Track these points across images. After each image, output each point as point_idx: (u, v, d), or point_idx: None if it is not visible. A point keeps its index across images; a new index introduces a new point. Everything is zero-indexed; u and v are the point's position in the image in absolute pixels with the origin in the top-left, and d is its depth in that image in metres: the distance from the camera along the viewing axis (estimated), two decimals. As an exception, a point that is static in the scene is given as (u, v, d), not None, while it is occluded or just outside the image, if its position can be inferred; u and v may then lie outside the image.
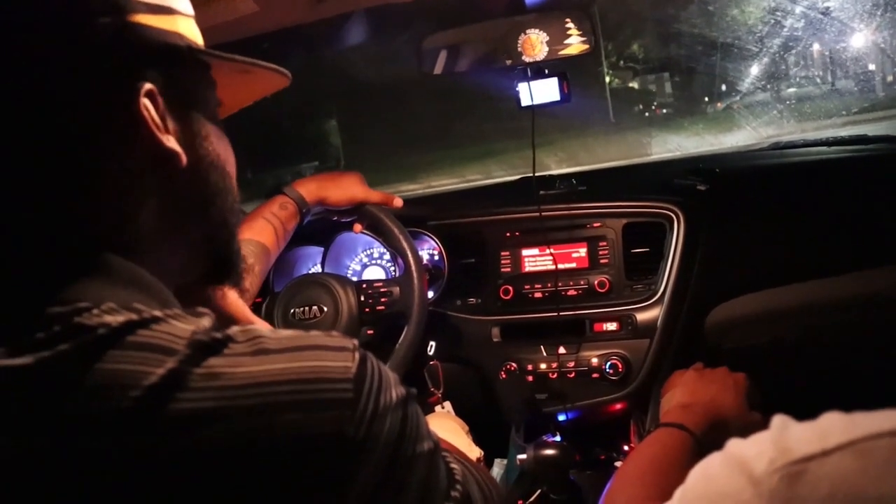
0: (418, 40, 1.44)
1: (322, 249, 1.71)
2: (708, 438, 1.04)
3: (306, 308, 1.42)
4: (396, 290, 1.43)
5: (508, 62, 1.41)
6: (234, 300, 1.00)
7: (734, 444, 0.55)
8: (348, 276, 1.71)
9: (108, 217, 0.58)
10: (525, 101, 1.43)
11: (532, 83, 1.40)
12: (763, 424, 1.14)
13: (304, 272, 1.72)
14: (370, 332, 1.47)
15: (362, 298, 1.44)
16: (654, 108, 8.66)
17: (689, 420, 1.05)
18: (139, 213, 0.60)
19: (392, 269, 1.71)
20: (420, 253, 1.52)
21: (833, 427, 0.48)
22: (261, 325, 1.03)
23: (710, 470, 0.56)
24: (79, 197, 0.57)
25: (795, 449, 0.48)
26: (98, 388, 0.48)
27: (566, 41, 1.38)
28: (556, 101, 1.41)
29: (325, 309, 1.42)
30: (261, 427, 0.50)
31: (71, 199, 0.56)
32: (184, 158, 0.61)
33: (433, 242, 1.69)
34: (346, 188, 1.44)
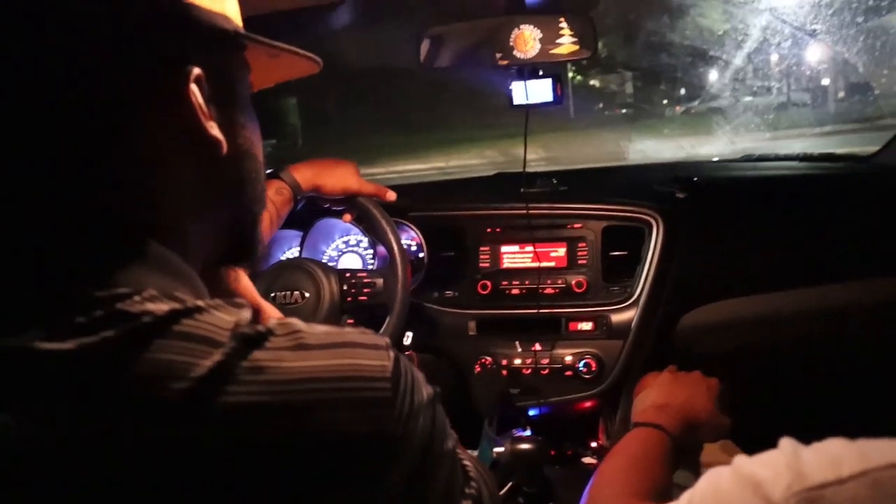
0: (418, 32, 1.44)
1: (300, 233, 1.70)
2: (682, 439, 1.08)
3: (288, 292, 1.42)
4: (380, 281, 1.44)
5: (499, 56, 1.41)
6: (246, 284, 1.00)
7: (745, 464, 0.57)
8: (324, 261, 1.71)
9: (146, 201, 0.58)
10: (518, 100, 1.44)
11: (527, 83, 1.41)
12: (731, 428, 1.18)
13: (281, 255, 1.72)
14: (350, 320, 1.48)
15: (345, 287, 1.44)
16: (616, 108, 8.78)
17: (665, 420, 1.09)
18: (176, 198, 0.60)
19: (370, 257, 1.71)
20: (401, 244, 1.53)
21: (845, 456, 0.50)
22: (269, 310, 1.04)
23: (721, 487, 0.58)
24: (119, 179, 0.56)
25: (811, 476, 0.50)
26: (146, 377, 0.48)
27: (558, 41, 1.39)
28: (549, 102, 1.42)
29: (307, 295, 1.42)
30: (304, 423, 0.50)
31: (111, 181, 0.56)
32: (225, 146, 0.61)
33: (413, 233, 1.70)
34: (342, 178, 1.44)
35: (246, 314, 0.55)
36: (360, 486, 0.53)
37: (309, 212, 1.63)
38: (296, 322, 0.57)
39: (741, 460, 0.58)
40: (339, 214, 1.55)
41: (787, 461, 0.53)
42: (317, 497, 0.52)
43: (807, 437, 0.57)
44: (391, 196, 1.52)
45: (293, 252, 1.72)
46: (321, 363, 0.53)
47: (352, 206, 1.49)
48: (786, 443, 0.56)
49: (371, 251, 1.71)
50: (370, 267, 1.68)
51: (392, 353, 0.57)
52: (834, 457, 0.50)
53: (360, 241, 1.74)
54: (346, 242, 1.77)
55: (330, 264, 1.60)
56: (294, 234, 1.71)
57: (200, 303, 0.53)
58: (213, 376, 0.49)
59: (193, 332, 0.51)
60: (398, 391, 0.55)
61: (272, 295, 1.43)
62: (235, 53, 0.64)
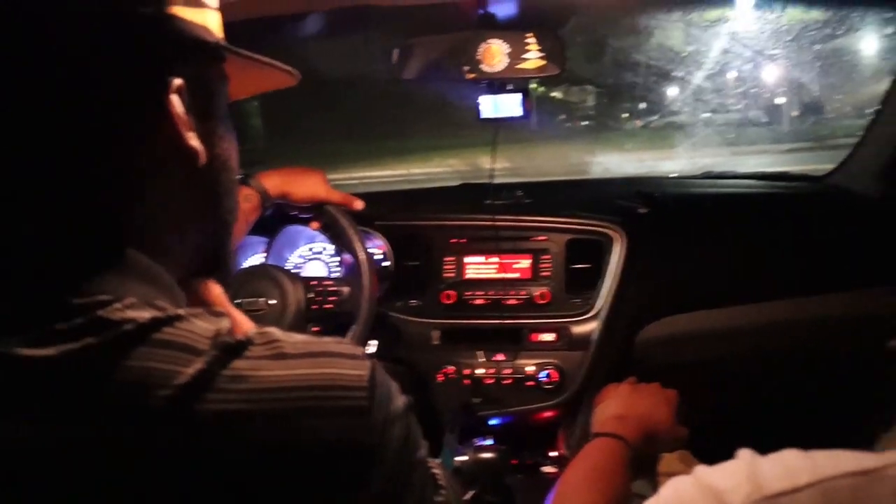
0: (395, 45, 1.45)
1: (265, 240, 1.70)
2: (641, 449, 1.10)
3: (253, 299, 1.42)
4: (346, 290, 1.44)
5: (466, 69, 1.42)
6: (217, 292, 0.99)
7: (706, 473, 0.59)
8: (289, 268, 1.71)
9: (126, 210, 0.58)
10: (486, 114, 1.45)
11: (496, 97, 1.43)
12: (688, 439, 1.21)
13: (245, 261, 1.71)
14: (315, 328, 1.48)
15: (310, 295, 1.44)
16: (577, 120, 8.87)
17: (624, 431, 1.11)
18: (155, 208, 0.60)
19: (335, 265, 1.71)
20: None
21: (799, 466, 0.53)
22: (240, 318, 1.03)
23: (683, 496, 0.60)
24: (100, 188, 0.56)
25: (767, 485, 0.53)
26: (128, 384, 0.49)
27: (525, 55, 1.41)
28: (518, 117, 1.44)
29: (272, 302, 1.42)
30: (284, 431, 0.51)
31: (92, 189, 0.56)
32: (203, 157, 0.61)
33: (379, 242, 1.70)
34: (310, 186, 1.45)
35: (226, 323, 0.56)
36: (339, 494, 0.54)
37: (274, 218, 1.63)
38: (274, 331, 0.58)
39: (702, 470, 0.60)
40: (305, 222, 1.55)
41: (746, 471, 0.55)
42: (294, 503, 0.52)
43: (761, 447, 0.59)
44: (359, 205, 1.53)
45: (258, 258, 1.71)
46: (300, 372, 0.54)
47: (319, 213, 1.50)
48: (744, 453, 0.58)
49: (336, 259, 1.71)
50: (335, 275, 1.69)
51: (369, 363, 0.59)
52: (789, 467, 0.53)
53: (326, 248, 1.74)
54: (311, 250, 1.77)
55: (294, 271, 1.60)
56: (259, 241, 1.71)
57: (181, 311, 0.54)
58: (194, 384, 0.50)
59: (175, 340, 0.52)
60: (374, 400, 0.56)
61: (237, 301, 1.42)
62: (215, 65, 0.65)
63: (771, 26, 1.89)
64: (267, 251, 1.69)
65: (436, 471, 0.69)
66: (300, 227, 1.68)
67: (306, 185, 1.45)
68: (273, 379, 0.53)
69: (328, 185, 1.48)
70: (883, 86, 1.74)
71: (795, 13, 1.80)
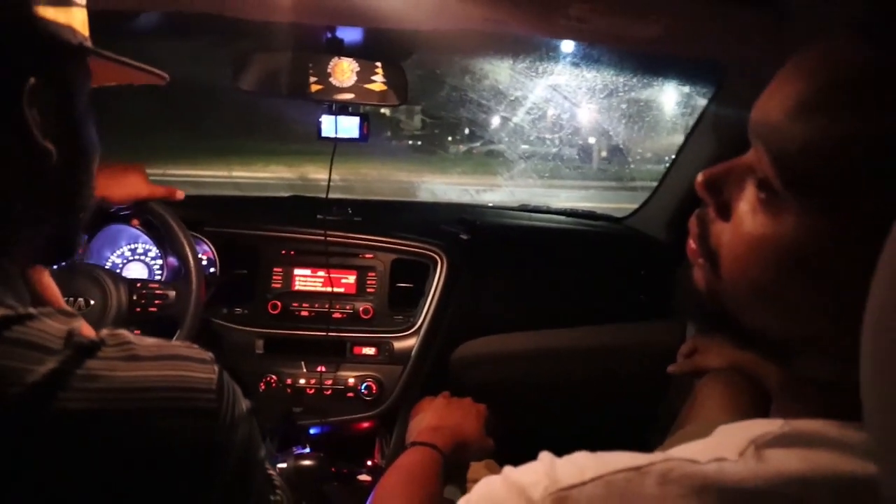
0: (235, 54, 1.46)
1: (85, 237, 1.64)
2: (453, 457, 1.20)
3: (71, 298, 1.37)
4: (172, 294, 1.43)
5: (314, 80, 1.46)
6: (49, 283, 0.96)
7: (512, 472, 0.68)
8: (107, 267, 1.65)
9: None
10: (326, 133, 1.51)
11: (337, 117, 1.49)
12: (494, 449, 1.32)
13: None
14: (137, 332, 1.44)
15: (134, 297, 1.41)
16: (403, 140, 9.05)
17: (438, 440, 1.20)
18: (6, 206, 0.60)
19: (157, 267, 1.68)
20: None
21: (588, 464, 0.63)
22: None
23: (493, 493, 0.68)
24: None
25: (562, 479, 0.62)
26: None
27: (372, 77, 1.48)
28: (355, 139, 1.51)
29: (93, 302, 1.37)
30: (136, 430, 0.54)
31: None
32: (55, 156, 0.62)
33: (206, 247, 1.69)
34: (131, 185, 1.41)
35: (78, 323, 0.57)
36: (186, 490, 0.56)
37: (95, 215, 1.58)
38: (125, 333, 0.60)
39: (509, 470, 0.69)
40: (126, 220, 1.51)
41: (544, 469, 0.64)
42: (145, 500, 0.55)
43: (558, 454, 0.69)
44: (180, 195, 1.50)
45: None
46: (152, 374, 0.56)
47: (143, 213, 1.46)
48: (544, 455, 0.68)
49: (159, 261, 1.68)
50: (157, 277, 1.66)
51: (217, 367, 0.62)
52: (579, 465, 0.63)
53: (149, 250, 1.70)
54: (132, 250, 1.71)
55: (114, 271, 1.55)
56: (77, 238, 1.64)
57: (32, 310, 0.55)
58: (47, 382, 0.51)
59: (26, 338, 0.52)
60: (222, 402, 0.59)
61: None
62: (79, 63, 0.66)
63: (587, 83, 2.12)
64: (83, 249, 1.63)
65: (272, 472, 0.73)
66: (122, 226, 1.64)
67: (126, 185, 1.40)
68: (126, 379, 0.55)
69: (149, 182, 1.44)
70: (678, 138, 1.99)
71: (608, 76, 2.05)
